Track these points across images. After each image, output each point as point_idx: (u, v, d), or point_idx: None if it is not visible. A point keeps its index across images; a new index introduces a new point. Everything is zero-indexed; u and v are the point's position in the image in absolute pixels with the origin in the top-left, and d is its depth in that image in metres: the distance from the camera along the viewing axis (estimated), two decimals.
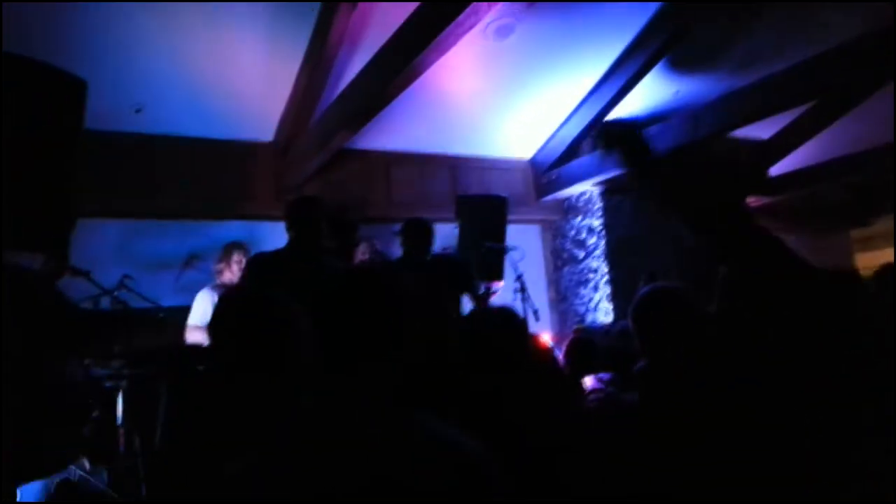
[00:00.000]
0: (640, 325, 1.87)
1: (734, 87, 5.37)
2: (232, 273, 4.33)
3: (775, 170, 7.14)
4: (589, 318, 6.40)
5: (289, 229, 3.27)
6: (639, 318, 1.87)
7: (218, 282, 4.38)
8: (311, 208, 3.30)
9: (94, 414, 3.71)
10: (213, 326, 1.78)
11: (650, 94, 6.02)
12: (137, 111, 4.73)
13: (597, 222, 6.48)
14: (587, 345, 3.62)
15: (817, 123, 6.08)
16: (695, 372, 1.76)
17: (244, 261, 4.33)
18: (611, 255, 6.35)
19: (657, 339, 1.84)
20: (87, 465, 3.47)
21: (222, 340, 1.73)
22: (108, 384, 3.79)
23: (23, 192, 2.07)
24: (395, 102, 4.27)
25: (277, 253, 3.31)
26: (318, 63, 4.65)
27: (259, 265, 3.27)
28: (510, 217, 5.42)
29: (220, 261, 4.42)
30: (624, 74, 5.66)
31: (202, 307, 4.21)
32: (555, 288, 6.95)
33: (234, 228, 5.28)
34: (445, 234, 5.47)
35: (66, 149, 2.20)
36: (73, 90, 2.27)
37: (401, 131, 5.73)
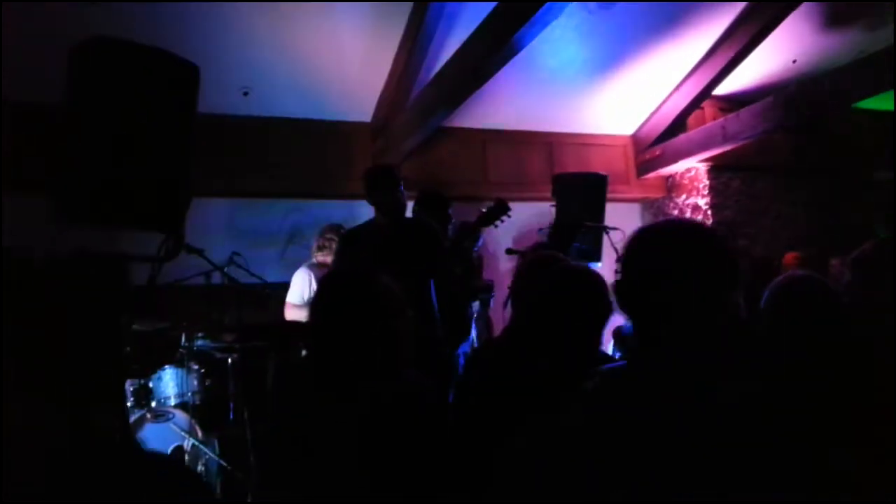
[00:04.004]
0: (776, 312, 1.85)
1: (861, 52, 4.93)
2: (324, 256, 4.45)
3: None
4: None
5: (370, 200, 3.34)
6: (776, 305, 1.85)
7: (314, 260, 4.47)
8: (387, 176, 3.32)
9: (206, 383, 3.93)
10: (315, 306, 1.81)
11: (763, 63, 5.64)
12: (244, 94, 4.91)
13: (702, 201, 6.16)
14: None
15: None
16: (830, 361, 1.67)
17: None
18: None
19: (793, 327, 1.81)
20: (199, 433, 3.67)
21: (324, 320, 1.76)
22: (218, 356, 4.00)
23: (143, 174, 2.17)
24: (491, 79, 4.20)
25: (362, 226, 3.42)
26: (414, 44, 4.66)
27: (345, 241, 3.42)
28: (609, 195, 5.24)
29: (315, 241, 4.55)
30: (735, 43, 5.32)
31: (299, 285, 4.29)
32: None
33: (335, 207, 5.39)
34: (543, 213, 5.37)
35: (181, 132, 2.28)
36: (187, 75, 2.35)
37: (498, 108, 5.64)
